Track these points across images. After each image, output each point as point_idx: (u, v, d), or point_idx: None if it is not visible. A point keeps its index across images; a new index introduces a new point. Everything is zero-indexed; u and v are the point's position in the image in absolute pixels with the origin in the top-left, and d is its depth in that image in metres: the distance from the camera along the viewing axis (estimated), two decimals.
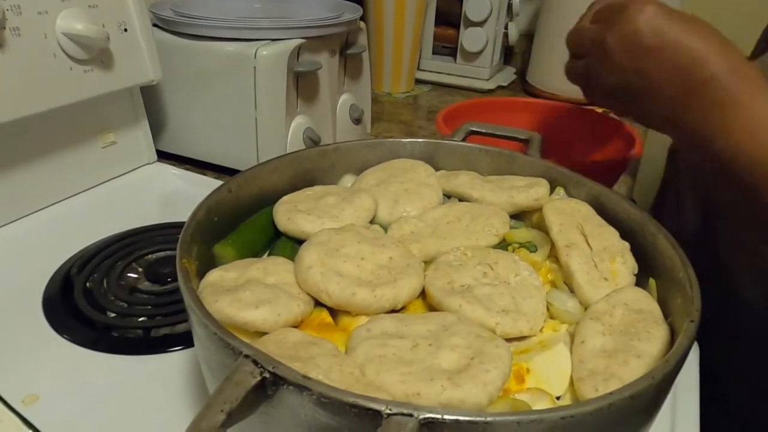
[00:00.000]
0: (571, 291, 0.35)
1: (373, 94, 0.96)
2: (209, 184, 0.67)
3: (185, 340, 0.43)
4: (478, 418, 0.21)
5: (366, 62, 0.82)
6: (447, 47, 1.17)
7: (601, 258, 0.35)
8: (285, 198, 0.40)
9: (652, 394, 0.24)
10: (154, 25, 0.67)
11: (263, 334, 0.29)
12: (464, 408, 0.24)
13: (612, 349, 0.29)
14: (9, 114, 0.51)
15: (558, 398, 0.28)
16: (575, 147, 0.75)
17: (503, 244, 0.39)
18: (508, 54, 1.28)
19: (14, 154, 0.56)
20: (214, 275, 0.33)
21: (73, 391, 0.39)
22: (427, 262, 0.36)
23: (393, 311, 0.32)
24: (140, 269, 0.51)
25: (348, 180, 0.46)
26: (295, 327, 0.30)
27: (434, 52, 1.18)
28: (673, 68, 0.42)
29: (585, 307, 0.33)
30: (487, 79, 1.14)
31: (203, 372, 0.30)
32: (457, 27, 1.11)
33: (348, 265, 0.32)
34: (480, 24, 1.08)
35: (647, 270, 0.35)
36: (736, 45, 0.42)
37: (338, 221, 0.37)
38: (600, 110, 0.90)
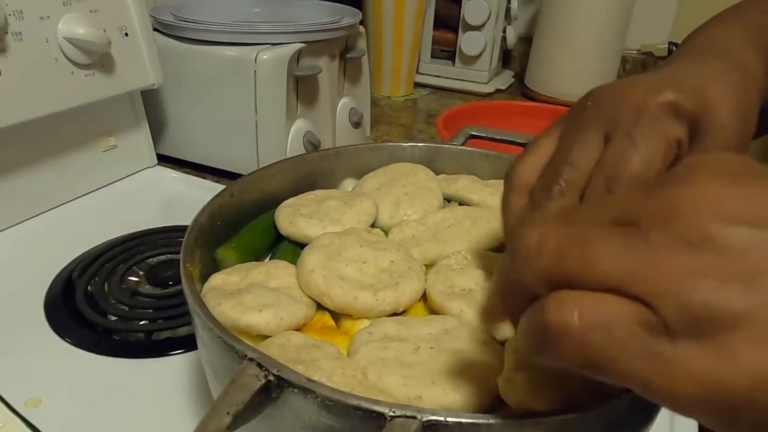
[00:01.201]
0: None
1: (373, 97, 0.96)
2: (210, 187, 0.67)
3: (186, 344, 0.43)
4: (480, 420, 0.21)
5: (365, 66, 0.83)
6: (446, 51, 1.18)
7: None
8: (287, 202, 0.41)
9: None
10: (155, 29, 0.68)
11: (266, 337, 0.30)
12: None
13: None
14: (11, 118, 0.52)
15: None
16: None
17: (504, 248, 0.39)
18: (506, 57, 1.28)
19: (16, 157, 0.56)
20: (216, 279, 0.33)
21: (74, 394, 0.39)
22: (428, 266, 0.36)
23: (394, 314, 0.32)
24: (141, 273, 0.51)
25: (349, 184, 0.46)
26: (298, 330, 0.31)
27: (433, 56, 1.18)
28: None
29: None
30: (486, 83, 1.14)
31: (207, 375, 0.30)
32: (455, 31, 1.12)
33: (350, 268, 0.33)
34: (478, 28, 1.08)
35: None
36: None
37: (340, 225, 0.38)
38: None
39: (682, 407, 0.16)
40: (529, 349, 0.18)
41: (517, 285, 0.19)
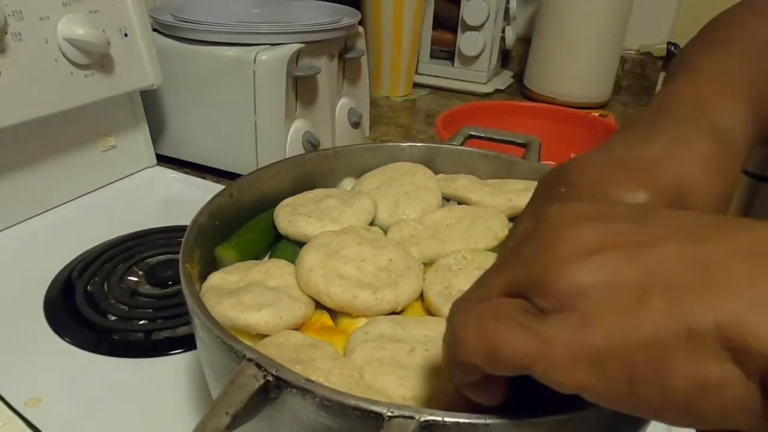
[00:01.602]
0: None
1: (372, 97, 0.96)
2: (209, 187, 0.67)
3: (186, 343, 0.43)
4: (477, 421, 0.21)
5: (365, 66, 0.83)
6: (445, 51, 1.18)
7: None
8: (286, 201, 0.41)
9: None
10: (154, 30, 0.68)
11: (265, 336, 0.30)
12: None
13: None
14: (10, 118, 0.52)
15: None
16: (572, 150, 0.76)
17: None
18: (505, 58, 1.29)
19: (15, 158, 0.56)
20: (215, 278, 0.33)
21: (74, 393, 0.39)
22: (427, 264, 0.36)
23: (392, 313, 0.32)
24: (141, 272, 0.52)
25: (348, 183, 0.46)
26: (296, 329, 0.31)
27: (432, 56, 1.18)
28: None
29: None
30: (485, 83, 1.14)
31: (206, 375, 0.30)
32: (454, 31, 1.12)
33: (349, 267, 0.33)
34: (477, 28, 1.09)
35: None
36: None
37: (338, 224, 0.38)
38: (597, 114, 0.91)
39: (561, 376, 0.18)
40: (448, 358, 0.21)
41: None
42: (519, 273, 0.20)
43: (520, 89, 1.18)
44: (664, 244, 0.18)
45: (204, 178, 0.71)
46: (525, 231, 0.22)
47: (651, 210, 0.20)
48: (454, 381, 0.22)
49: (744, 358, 0.15)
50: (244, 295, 0.30)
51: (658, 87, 1.18)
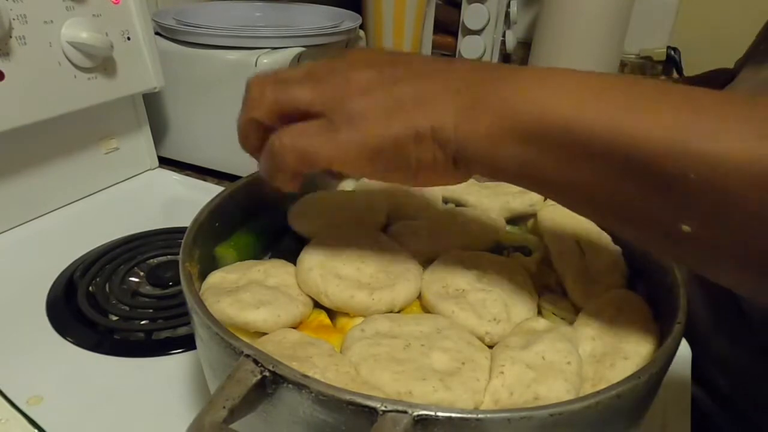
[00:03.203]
0: (564, 295, 0.35)
1: None
2: (210, 189, 0.68)
3: (186, 343, 0.44)
4: (469, 415, 0.22)
5: None
6: (445, 55, 1.18)
7: (593, 262, 0.36)
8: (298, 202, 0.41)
9: (639, 392, 0.25)
10: (157, 33, 0.68)
11: (263, 334, 0.30)
12: None
13: (601, 353, 0.30)
14: (14, 121, 0.52)
15: None
16: None
17: (499, 248, 0.39)
18: (506, 61, 1.29)
19: (19, 160, 0.57)
20: (215, 277, 0.34)
21: (76, 392, 0.39)
22: (425, 265, 0.37)
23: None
24: (142, 273, 0.52)
25: (348, 185, 0.47)
26: (294, 328, 0.31)
27: None
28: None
29: (576, 311, 0.34)
30: None
31: (205, 372, 0.31)
32: (455, 35, 1.13)
33: (348, 267, 0.33)
34: (478, 32, 1.09)
35: (638, 273, 0.36)
36: None
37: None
38: None
39: (350, 167, 0.29)
40: (270, 172, 0.31)
41: (252, 121, 0.31)
42: (325, 95, 0.29)
43: None
44: (404, 81, 0.28)
45: (205, 180, 0.71)
46: (333, 62, 0.31)
47: (402, 56, 0.30)
48: (277, 183, 0.31)
49: (443, 144, 0.26)
50: (243, 294, 0.31)
51: None
